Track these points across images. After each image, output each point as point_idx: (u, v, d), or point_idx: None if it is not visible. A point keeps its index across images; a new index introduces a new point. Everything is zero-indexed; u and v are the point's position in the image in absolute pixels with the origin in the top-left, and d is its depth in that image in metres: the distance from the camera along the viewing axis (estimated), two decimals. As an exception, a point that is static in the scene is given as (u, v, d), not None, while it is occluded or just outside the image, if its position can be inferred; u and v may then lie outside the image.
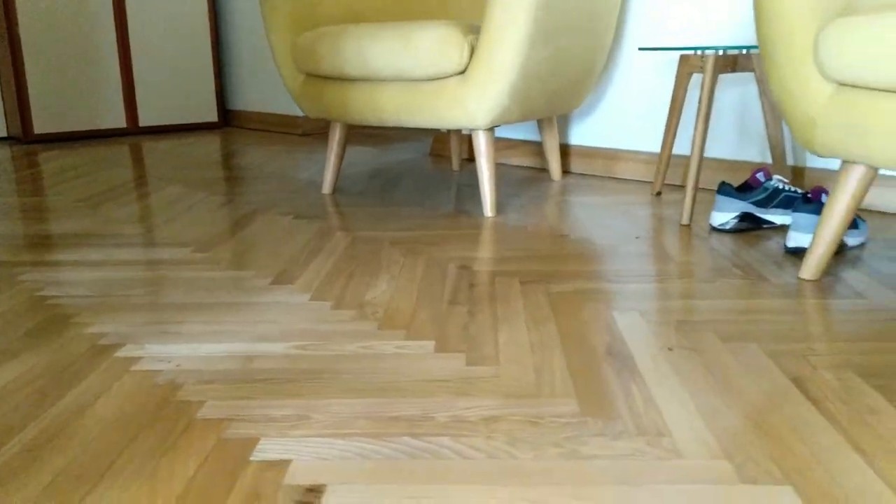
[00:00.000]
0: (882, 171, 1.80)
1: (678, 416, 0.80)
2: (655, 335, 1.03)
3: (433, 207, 1.86)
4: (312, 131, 3.54)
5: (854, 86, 1.18)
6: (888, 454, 0.72)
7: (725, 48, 1.67)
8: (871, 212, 1.80)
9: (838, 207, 1.25)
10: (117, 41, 3.34)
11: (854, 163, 1.22)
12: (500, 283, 1.26)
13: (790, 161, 1.96)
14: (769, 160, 1.99)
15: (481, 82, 1.69)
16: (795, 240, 1.40)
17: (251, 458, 0.72)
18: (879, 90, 1.14)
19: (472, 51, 1.70)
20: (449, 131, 2.49)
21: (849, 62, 1.15)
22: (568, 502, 0.64)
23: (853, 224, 1.48)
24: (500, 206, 1.87)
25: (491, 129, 1.78)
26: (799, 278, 1.28)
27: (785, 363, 0.93)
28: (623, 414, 0.80)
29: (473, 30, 1.72)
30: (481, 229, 1.64)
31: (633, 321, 1.08)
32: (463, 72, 1.72)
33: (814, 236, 1.28)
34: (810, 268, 1.28)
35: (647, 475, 0.69)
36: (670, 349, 0.98)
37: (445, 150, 2.77)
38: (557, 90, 1.89)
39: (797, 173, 1.94)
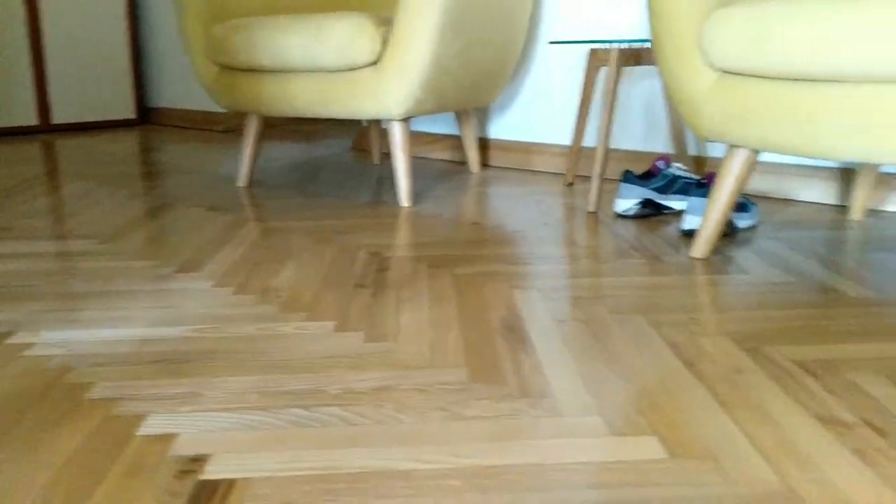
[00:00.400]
0: (775, 159, 1.91)
1: (561, 380, 0.84)
2: (550, 310, 1.07)
3: (349, 199, 1.87)
4: (235, 127, 3.49)
5: (734, 73, 1.25)
6: (748, 406, 0.78)
7: (629, 42, 1.75)
8: (764, 197, 1.91)
9: (724, 190, 1.32)
10: (29, 34, 3.21)
11: (737, 146, 1.30)
12: (408, 267, 1.29)
13: (693, 151, 2.06)
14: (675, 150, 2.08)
15: (394, 73, 1.71)
16: (689, 222, 1.48)
17: (137, 434, 0.72)
18: (756, 76, 1.22)
19: (385, 42, 1.72)
20: (370, 125, 2.51)
21: (729, 51, 1.22)
22: (446, 458, 0.67)
23: (744, 208, 1.57)
24: (416, 197, 1.90)
25: (406, 120, 1.81)
26: (690, 257, 1.36)
27: (666, 331, 0.99)
28: (509, 380, 0.84)
29: (386, 21, 1.75)
30: (396, 218, 1.66)
31: (531, 298, 1.12)
32: (376, 63, 1.74)
33: (703, 217, 1.35)
34: (700, 247, 1.36)
35: (524, 432, 0.72)
36: (562, 322, 1.02)
37: (367, 144, 2.79)
38: (472, 82, 1.93)
39: (699, 162, 2.04)
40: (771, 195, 1.92)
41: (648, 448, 0.69)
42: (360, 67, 1.75)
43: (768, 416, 0.76)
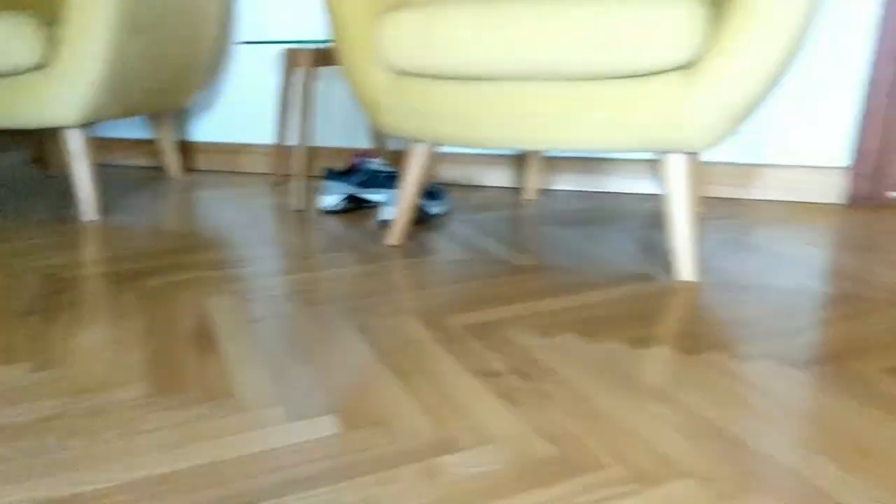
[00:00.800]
0: (461, 150, 2.11)
1: (247, 378, 0.85)
2: (245, 311, 1.07)
3: (23, 217, 1.67)
4: None
5: (405, 73, 1.36)
6: (420, 372, 0.86)
7: (320, 42, 1.80)
8: (456, 185, 2.10)
9: (410, 180, 1.44)
10: None
11: (417, 141, 1.42)
12: (90, 285, 1.19)
13: (394, 145, 2.19)
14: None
15: (65, 77, 1.56)
16: (385, 213, 1.58)
17: None
18: (424, 76, 1.34)
19: (53, 43, 1.56)
20: (52, 134, 2.25)
21: (397, 53, 1.32)
22: (117, 476, 0.65)
23: (436, 195, 1.71)
24: (108, 208, 1.75)
25: (84, 127, 1.66)
26: (387, 245, 1.45)
27: (356, 316, 1.05)
28: (195, 386, 0.83)
29: (51, 21, 1.58)
30: (79, 235, 1.52)
31: (226, 302, 1.11)
32: (43, 66, 1.57)
33: (396, 208, 1.45)
34: (394, 235, 1.46)
35: (205, 434, 0.72)
36: (256, 321, 1.03)
37: (47, 154, 2.50)
38: (160, 84, 1.83)
39: (399, 156, 2.17)
40: (461, 182, 2.12)
41: (325, 426, 0.74)
42: (24, 72, 1.56)
43: (435, 377, 0.85)
